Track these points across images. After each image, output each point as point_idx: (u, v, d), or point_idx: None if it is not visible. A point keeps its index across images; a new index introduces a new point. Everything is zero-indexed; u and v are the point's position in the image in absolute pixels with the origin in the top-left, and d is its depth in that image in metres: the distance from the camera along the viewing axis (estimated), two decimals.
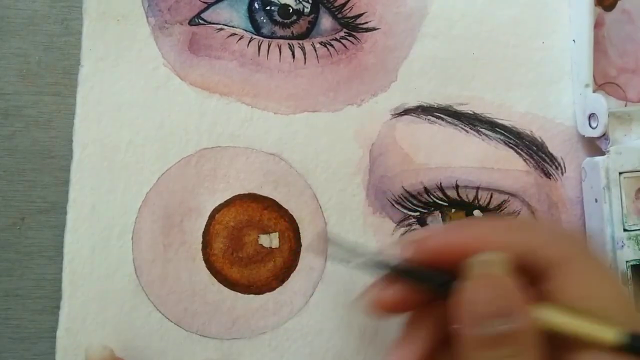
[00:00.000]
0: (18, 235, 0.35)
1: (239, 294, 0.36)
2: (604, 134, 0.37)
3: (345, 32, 0.38)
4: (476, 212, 0.37)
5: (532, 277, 0.27)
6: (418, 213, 0.37)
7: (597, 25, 0.40)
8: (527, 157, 0.38)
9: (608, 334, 0.26)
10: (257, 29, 0.37)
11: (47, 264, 0.35)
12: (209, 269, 0.36)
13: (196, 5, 0.37)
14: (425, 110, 0.38)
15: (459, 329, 0.27)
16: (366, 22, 0.38)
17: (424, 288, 0.29)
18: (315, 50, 0.37)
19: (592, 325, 0.26)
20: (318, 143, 0.37)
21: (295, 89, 0.37)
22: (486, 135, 0.38)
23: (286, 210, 0.37)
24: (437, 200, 0.37)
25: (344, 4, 0.37)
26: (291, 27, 0.37)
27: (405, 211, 0.37)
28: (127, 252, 0.35)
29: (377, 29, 0.38)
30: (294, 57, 0.37)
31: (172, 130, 0.36)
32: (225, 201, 0.36)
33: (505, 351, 0.25)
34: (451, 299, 0.27)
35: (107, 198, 0.35)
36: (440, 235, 0.29)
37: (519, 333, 0.26)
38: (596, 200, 0.37)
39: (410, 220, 0.37)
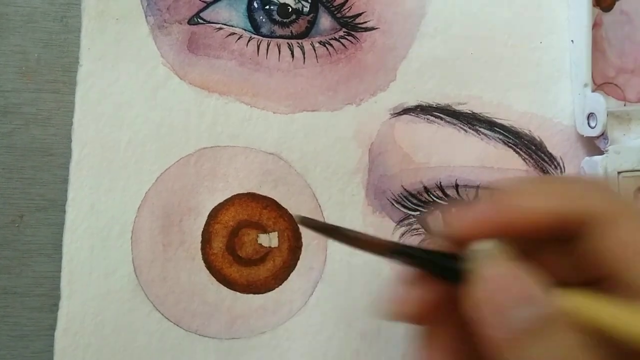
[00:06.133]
0: (16, 233, 0.35)
1: (238, 293, 0.36)
2: (602, 134, 0.37)
3: (344, 32, 0.38)
4: None
5: (565, 241, 0.24)
6: (418, 212, 0.37)
7: (596, 25, 0.40)
8: (526, 156, 0.38)
9: None
10: (256, 28, 0.37)
11: (46, 261, 0.35)
12: (208, 268, 0.36)
13: (195, 5, 0.37)
14: (424, 110, 0.38)
15: (484, 334, 0.22)
16: (365, 22, 0.38)
17: (432, 274, 0.25)
18: (315, 50, 0.37)
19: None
20: (317, 142, 0.37)
21: (294, 88, 0.37)
22: (485, 134, 0.38)
23: (285, 210, 0.36)
24: (437, 200, 0.37)
25: (343, 4, 0.37)
26: (290, 27, 0.37)
27: (405, 210, 0.37)
28: (126, 252, 0.35)
29: (376, 28, 0.38)
30: (293, 56, 0.37)
31: (171, 130, 0.36)
32: (225, 200, 0.36)
33: (542, 346, 0.21)
34: (464, 298, 0.23)
35: (106, 197, 0.35)
36: (473, 213, 0.25)
37: (549, 322, 0.21)
38: None
39: (411, 220, 0.37)
